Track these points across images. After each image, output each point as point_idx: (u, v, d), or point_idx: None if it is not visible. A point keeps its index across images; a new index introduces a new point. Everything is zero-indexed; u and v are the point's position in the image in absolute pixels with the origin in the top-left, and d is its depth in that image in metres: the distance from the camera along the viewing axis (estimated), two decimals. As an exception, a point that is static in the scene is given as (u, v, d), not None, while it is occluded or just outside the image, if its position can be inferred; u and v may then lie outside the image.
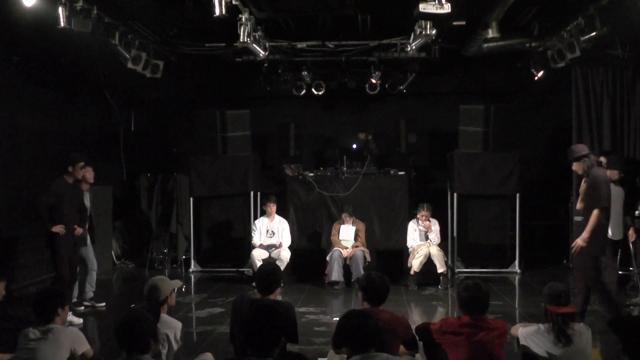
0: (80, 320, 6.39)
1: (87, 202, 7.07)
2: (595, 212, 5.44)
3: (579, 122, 8.33)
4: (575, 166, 5.73)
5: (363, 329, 3.03)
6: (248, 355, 2.86)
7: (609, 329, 5.17)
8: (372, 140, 10.36)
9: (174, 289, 4.12)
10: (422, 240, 8.37)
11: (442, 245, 8.48)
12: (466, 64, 10.14)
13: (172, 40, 8.65)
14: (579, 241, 5.49)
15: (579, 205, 5.74)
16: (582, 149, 5.85)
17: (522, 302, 7.49)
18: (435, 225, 8.43)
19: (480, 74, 10.79)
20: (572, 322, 3.74)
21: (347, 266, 8.25)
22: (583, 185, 5.69)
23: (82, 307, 6.98)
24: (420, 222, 8.42)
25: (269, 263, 7.22)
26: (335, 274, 8.15)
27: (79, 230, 6.54)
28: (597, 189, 5.49)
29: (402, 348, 3.94)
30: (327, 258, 8.37)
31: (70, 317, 6.27)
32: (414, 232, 8.49)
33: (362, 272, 8.11)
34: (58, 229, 6.25)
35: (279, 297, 4.24)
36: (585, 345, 3.72)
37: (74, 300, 6.91)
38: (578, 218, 5.73)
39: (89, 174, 6.98)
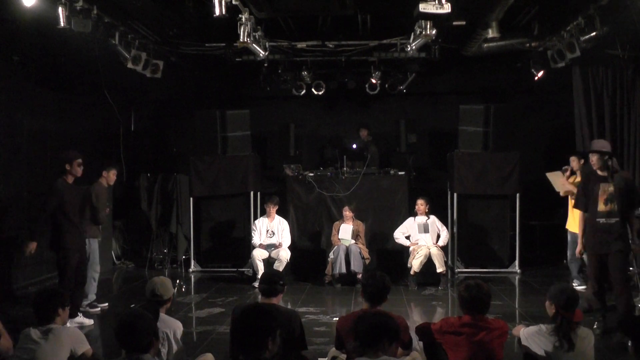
0: (91, 322, 6.38)
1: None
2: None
3: (581, 121, 8.32)
4: (596, 159, 5.59)
5: (379, 328, 3.01)
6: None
7: (620, 329, 5.17)
8: (372, 142, 10.36)
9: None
10: (422, 233, 8.38)
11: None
12: (466, 64, 10.13)
13: (172, 40, 8.64)
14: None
15: (607, 207, 5.54)
16: (606, 145, 5.74)
17: (522, 302, 7.49)
18: (432, 219, 8.46)
19: (480, 74, 10.79)
20: (576, 326, 3.74)
21: (347, 261, 8.24)
22: (608, 187, 5.53)
23: (99, 309, 6.99)
24: (418, 215, 8.44)
25: (273, 269, 7.26)
26: (342, 267, 8.15)
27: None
28: (636, 191, 5.61)
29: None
30: (331, 254, 8.38)
31: (81, 319, 6.29)
32: (409, 226, 8.49)
33: (361, 264, 8.21)
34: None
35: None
36: (586, 349, 3.71)
37: (90, 302, 6.93)
38: (610, 220, 5.53)
39: (113, 175, 7.40)
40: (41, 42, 7.48)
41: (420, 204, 8.44)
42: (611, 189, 5.53)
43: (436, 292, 8.02)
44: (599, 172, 5.63)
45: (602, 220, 5.58)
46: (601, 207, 5.57)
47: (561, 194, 7.75)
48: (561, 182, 7.51)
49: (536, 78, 8.99)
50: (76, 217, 6.31)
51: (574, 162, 7.54)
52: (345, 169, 9.42)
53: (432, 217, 8.52)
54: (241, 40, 6.90)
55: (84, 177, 6.82)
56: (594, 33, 6.99)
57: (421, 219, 8.47)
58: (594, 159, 5.63)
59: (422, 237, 8.36)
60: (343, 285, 8.29)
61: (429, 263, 8.10)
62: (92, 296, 7.04)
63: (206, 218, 9.68)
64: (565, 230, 7.83)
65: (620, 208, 5.50)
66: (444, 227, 8.54)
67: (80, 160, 6.26)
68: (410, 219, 8.58)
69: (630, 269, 7.62)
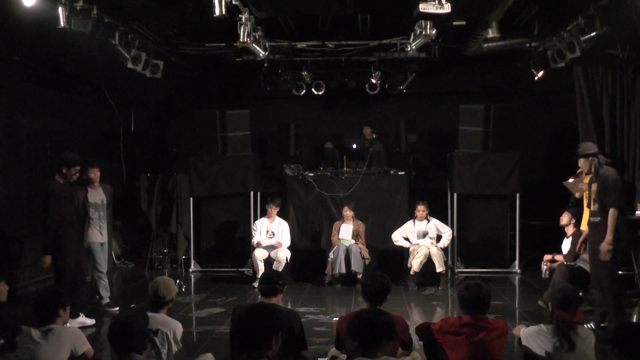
0: (93, 321, 6.39)
1: (100, 198, 7.20)
2: (612, 211, 5.46)
3: (586, 121, 8.29)
4: (582, 163, 5.81)
5: (373, 325, 3.01)
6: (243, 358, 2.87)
7: (611, 336, 5.15)
8: (377, 140, 10.34)
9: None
10: (420, 239, 8.37)
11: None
12: (466, 64, 10.14)
13: (172, 40, 8.64)
14: (605, 245, 5.47)
15: (593, 207, 5.75)
16: (590, 147, 5.90)
17: (522, 302, 7.49)
18: (431, 223, 8.43)
19: (480, 74, 10.79)
20: (576, 326, 3.73)
21: (347, 261, 8.24)
22: (594, 186, 5.72)
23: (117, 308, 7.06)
24: (417, 220, 8.43)
25: (273, 269, 7.28)
26: (342, 267, 8.15)
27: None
28: (609, 189, 5.53)
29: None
30: (330, 254, 8.38)
31: (83, 319, 6.29)
32: (407, 230, 8.47)
33: (362, 264, 8.21)
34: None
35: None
36: (587, 349, 3.70)
37: (106, 301, 7.01)
38: (595, 219, 5.72)
39: (94, 174, 7.12)
40: (41, 42, 7.48)
41: (422, 210, 8.38)
42: (595, 188, 5.71)
43: (436, 292, 8.02)
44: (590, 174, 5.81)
45: (591, 219, 5.83)
46: (591, 206, 5.81)
47: (577, 196, 7.64)
48: (580, 186, 7.37)
49: (536, 78, 8.98)
50: (73, 218, 6.30)
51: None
52: (345, 169, 9.43)
53: (432, 220, 8.49)
54: (241, 40, 6.90)
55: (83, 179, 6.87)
56: (594, 33, 6.99)
57: (421, 225, 8.44)
58: (580, 162, 5.85)
59: (421, 242, 8.34)
60: (343, 285, 8.29)
61: (428, 263, 8.10)
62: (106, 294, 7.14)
63: (206, 218, 9.68)
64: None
65: (600, 207, 5.61)
66: (446, 227, 8.51)
67: (78, 168, 6.27)
68: (410, 222, 8.55)
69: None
